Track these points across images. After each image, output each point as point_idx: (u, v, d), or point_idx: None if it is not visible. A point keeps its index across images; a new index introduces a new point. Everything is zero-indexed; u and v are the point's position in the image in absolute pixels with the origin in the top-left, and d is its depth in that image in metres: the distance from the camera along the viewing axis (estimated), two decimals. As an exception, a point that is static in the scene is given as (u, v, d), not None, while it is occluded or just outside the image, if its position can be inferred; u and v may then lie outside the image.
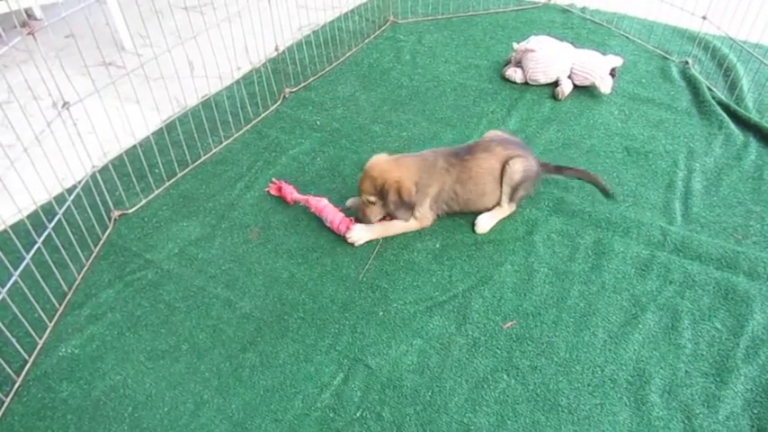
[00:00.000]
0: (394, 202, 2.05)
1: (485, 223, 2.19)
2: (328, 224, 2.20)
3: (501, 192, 2.18)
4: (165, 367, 1.83)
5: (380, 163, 2.11)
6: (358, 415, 1.69)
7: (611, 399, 1.70)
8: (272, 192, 2.39)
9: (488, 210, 2.22)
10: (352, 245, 2.15)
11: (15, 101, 2.03)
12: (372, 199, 2.09)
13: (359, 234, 2.15)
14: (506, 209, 2.22)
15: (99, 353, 1.87)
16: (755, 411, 1.65)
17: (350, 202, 2.30)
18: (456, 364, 1.80)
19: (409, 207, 2.08)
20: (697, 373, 1.75)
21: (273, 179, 2.43)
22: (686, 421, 1.64)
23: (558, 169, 2.33)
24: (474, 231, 2.19)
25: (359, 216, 2.18)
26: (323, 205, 2.22)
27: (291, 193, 2.32)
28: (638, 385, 1.73)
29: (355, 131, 2.73)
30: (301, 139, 2.69)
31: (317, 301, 2.00)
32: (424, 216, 2.17)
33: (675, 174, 2.42)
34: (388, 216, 2.18)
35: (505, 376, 1.76)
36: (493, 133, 2.32)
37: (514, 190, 2.17)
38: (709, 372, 1.75)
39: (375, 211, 2.13)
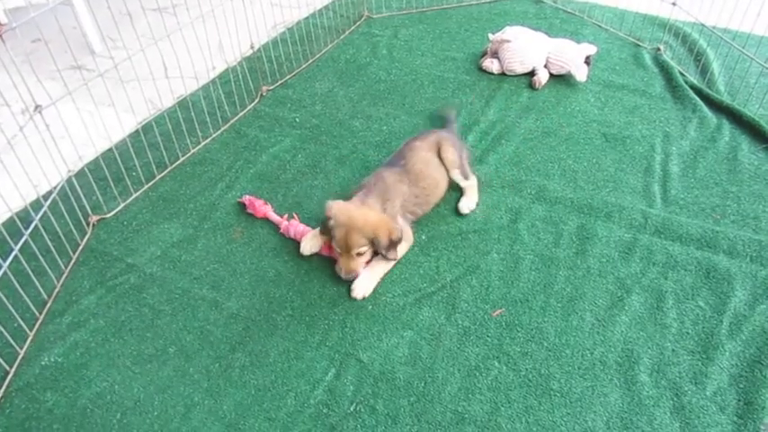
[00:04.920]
0: (386, 246, 1.95)
1: (468, 203, 2.25)
2: (291, 235, 2.16)
3: (452, 176, 2.28)
4: (153, 371, 1.79)
5: (357, 213, 1.97)
6: (352, 409, 1.68)
7: (602, 380, 1.72)
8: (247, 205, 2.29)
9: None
10: (358, 299, 1.97)
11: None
12: (364, 249, 1.96)
13: (365, 288, 1.97)
14: (471, 184, 2.29)
15: (83, 360, 1.83)
16: (741, 386, 1.69)
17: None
18: (447, 354, 1.80)
19: (396, 244, 2.00)
20: (683, 351, 1.78)
21: (239, 199, 2.34)
22: (675, 399, 1.67)
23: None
24: (460, 214, 2.24)
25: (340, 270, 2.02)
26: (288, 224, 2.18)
27: (261, 206, 2.25)
28: (627, 366, 1.75)
29: (335, 127, 2.71)
30: (281, 137, 2.66)
31: (304, 297, 1.98)
32: (406, 233, 2.09)
33: (653, 158, 2.46)
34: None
35: (497, 363, 1.77)
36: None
37: (461, 166, 2.26)
38: (696, 349, 1.78)
39: (363, 260, 2.00)
